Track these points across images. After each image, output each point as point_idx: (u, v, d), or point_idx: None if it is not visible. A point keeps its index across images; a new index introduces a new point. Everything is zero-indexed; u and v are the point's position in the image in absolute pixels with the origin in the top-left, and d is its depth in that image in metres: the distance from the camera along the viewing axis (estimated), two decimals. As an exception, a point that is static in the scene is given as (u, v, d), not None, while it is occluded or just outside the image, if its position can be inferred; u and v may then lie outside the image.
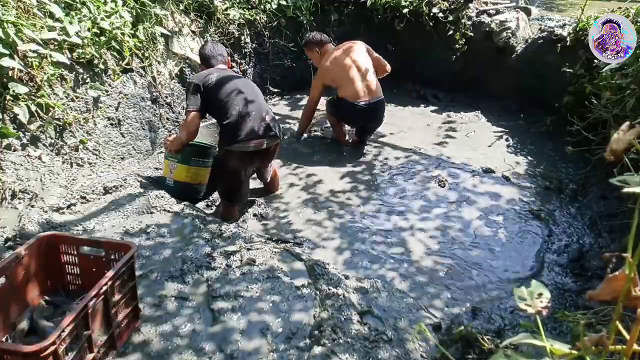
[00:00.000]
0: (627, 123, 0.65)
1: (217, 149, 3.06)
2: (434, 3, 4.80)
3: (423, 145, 4.11)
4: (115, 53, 3.25)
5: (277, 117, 3.15)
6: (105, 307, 1.58)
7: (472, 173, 3.68)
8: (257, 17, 4.65)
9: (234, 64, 4.46)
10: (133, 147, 3.35)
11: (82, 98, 2.94)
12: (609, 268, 0.74)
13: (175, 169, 2.92)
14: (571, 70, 3.83)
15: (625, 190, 0.66)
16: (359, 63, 3.85)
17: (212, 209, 3.22)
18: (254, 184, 3.36)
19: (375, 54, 4.03)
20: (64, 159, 2.78)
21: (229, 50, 4.38)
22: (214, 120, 3.85)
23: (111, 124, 3.17)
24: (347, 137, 4.18)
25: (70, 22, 2.83)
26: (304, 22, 4.87)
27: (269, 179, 3.33)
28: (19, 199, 2.42)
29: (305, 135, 4.27)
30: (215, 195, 3.36)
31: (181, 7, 4.01)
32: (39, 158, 2.62)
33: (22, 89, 2.49)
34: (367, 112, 3.85)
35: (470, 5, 4.87)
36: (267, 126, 2.90)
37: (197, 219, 2.56)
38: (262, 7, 4.72)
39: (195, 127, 2.83)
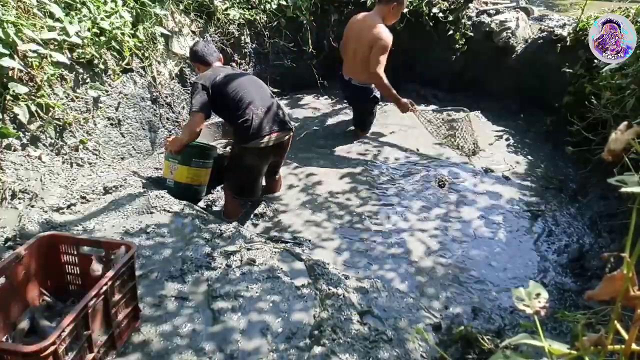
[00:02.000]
0: (625, 123, 0.65)
1: (233, 146, 3.10)
2: (433, 3, 4.80)
3: (423, 145, 4.11)
4: (115, 53, 3.26)
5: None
6: (105, 307, 1.58)
7: (472, 173, 3.68)
8: (257, 17, 4.64)
9: (233, 64, 4.46)
10: (133, 147, 3.35)
11: (82, 98, 2.95)
12: (607, 268, 0.74)
13: (175, 170, 2.92)
14: (571, 70, 3.83)
15: (623, 190, 0.66)
16: (360, 45, 3.89)
17: (214, 207, 3.22)
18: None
19: (374, 52, 3.93)
20: (64, 159, 2.78)
21: (229, 50, 4.39)
22: (214, 121, 3.86)
23: (111, 124, 3.17)
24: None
25: (70, 22, 2.83)
26: (304, 22, 4.87)
27: (279, 174, 3.38)
28: (19, 199, 2.42)
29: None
30: (216, 195, 3.36)
31: (181, 7, 4.01)
32: (39, 158, 2.62)
33: (22, 89, 2.49)
34: (343, 85, 4.20)
35: (470, 5, 4.87)
36: (280, 120, 2.98)
37: (197, 219, 2.56)
38: (262, 7, 4.71)
39: (199, 129, 2.86)
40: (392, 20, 4.01)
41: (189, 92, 3.98)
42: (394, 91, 3.91)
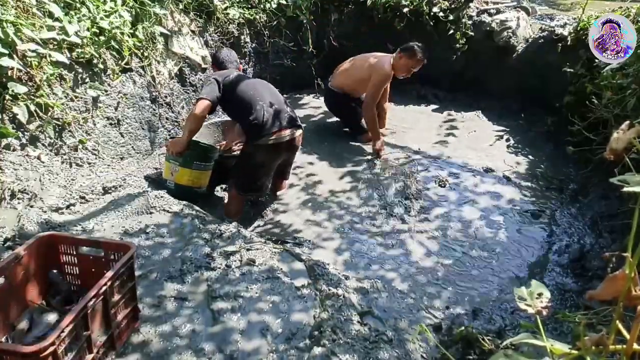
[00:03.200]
0: (627, 122, 0.65)
1: (244, 144, 3.11)
2: (434, 2, 4.79)
3: (423, 145, 4.11)
4: (114, 52, 3.25)
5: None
6: (105, 308, 1.57)
7: (472, 173, 3.67)
8: (257, 17, 4.64)
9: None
10: (132, 147, 3.34)
11: (81, 98, 2.94)
12: (609, 268, 0.74)
13: (176, 172, 2.90)
14: (572, 70, 3.83)
15: (625, 189, 0.65)
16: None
17: (213, 207, 3.21)
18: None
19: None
20: (63, 158, 2.78)
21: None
22: (213, 121, 3.85)
23: (110, 124, 3.17)
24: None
25: (70, 22, 2.83)
26: (304, 21, 4.87)
27: (288, 176, 3.41)
28: (18, 199, 2.41)
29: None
30: (216, 195, 3.35)
31: (181, 7, 4.01)
32: (38, 158, 2.61)
33: (21, 89, 2.48)
34: None
35: (470, 4, 4.86)
36: (290, 117, 3.02)
37: (197, 219, 2.55)
38: (261, 6, 4.71)
39: (203, 116, 2.88)
40: (398, 72, 3.99)
41: (188, 91, 3.98)
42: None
